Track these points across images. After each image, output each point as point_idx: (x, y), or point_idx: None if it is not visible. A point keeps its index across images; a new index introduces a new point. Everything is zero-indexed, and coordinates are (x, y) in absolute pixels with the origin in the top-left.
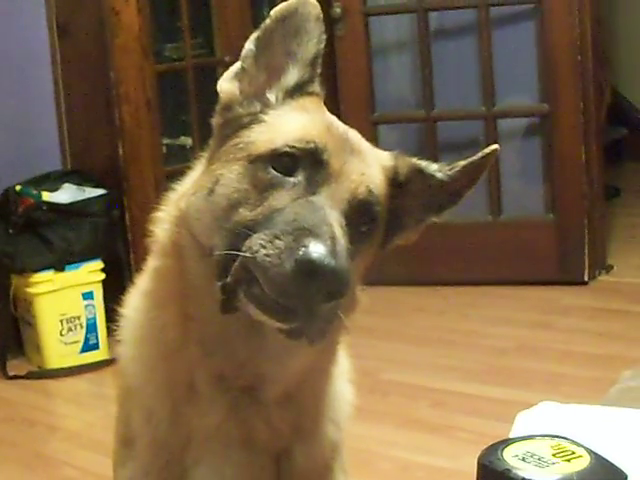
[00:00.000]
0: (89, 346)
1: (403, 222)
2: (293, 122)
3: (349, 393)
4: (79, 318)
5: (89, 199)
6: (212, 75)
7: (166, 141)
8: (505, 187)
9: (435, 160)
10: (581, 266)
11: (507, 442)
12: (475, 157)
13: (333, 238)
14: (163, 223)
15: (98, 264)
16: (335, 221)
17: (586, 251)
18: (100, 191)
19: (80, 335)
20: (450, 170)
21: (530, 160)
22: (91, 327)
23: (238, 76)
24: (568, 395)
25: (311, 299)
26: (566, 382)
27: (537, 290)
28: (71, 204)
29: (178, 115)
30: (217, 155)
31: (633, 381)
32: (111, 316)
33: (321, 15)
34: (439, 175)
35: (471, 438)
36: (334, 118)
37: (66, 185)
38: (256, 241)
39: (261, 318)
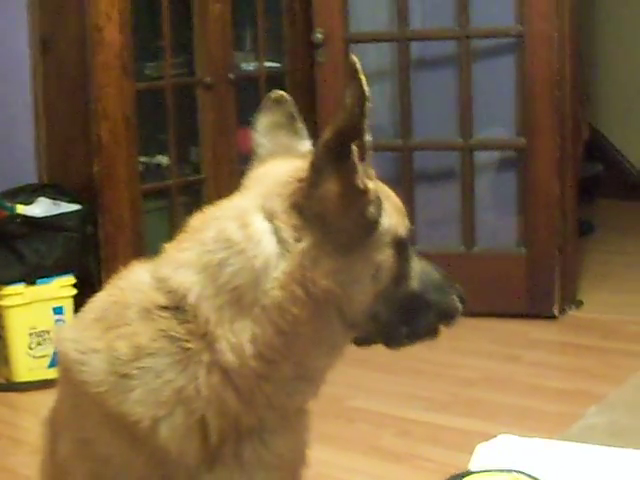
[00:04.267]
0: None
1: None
2: (399, 210)
3: None
4: (49, 332)
5: (63, 214)
6: (191, 95)
7: (142, 159)
8: (479, 219)
9: (411, 191)
10: (551, 300)
11: (465, 474)
12: (352, 77)
13: (451, 284)
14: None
15: (70, 279)
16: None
17: (557, 286)
18: (75, 206)
19: (49, 349)
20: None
21: (505, 193)
22: None
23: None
24: (533, 429)
25: None
26: (532, 416)
27: (506, 323)
28: (45, 218)
29: (155, 134)
30: (359, 245)
31: (596, 417)
32: None
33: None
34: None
35: (434, 468)
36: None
37: (41, 199)
38: (453, 300)
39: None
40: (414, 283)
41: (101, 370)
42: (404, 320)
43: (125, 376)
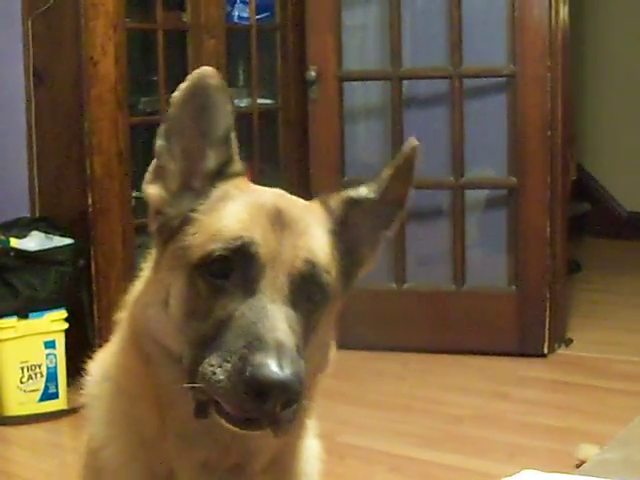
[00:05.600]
0: (48, 395)
1: (360, 253)
2: (219, 219)
3: (317, 448)
4: (40, 366)
5: (56, 247)
6: None
7: (135, 194)
8: (469, 257)
9: (402, 229)
10: (541, 339)
11: None
12: (397, 159)
13: (279, 346)
14: (126, 332)
15: (62, 313)
16: (279, 319)
17: (546, 324)
18: (67, 240)
19: (40, 383)
20: (379, 185)
21: (495, 231)
22: (51, 376)
23: (159, 175)
24: (524, 466)
25: (271, 411)
26: (522, 453)
27: (496, 360)
28: (38, 252)
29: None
30: (162, 262)
31: (609, 453)
32: (71, 366)
33: (223, 84)
34: (372, 196)
35: None
36: (261, 191)
37: (34, 232)
38: (207, 368)
39: (231, 429)
40: (203, 326)
41: (86, 390)
42: (197, 365)
43: (91, 396)
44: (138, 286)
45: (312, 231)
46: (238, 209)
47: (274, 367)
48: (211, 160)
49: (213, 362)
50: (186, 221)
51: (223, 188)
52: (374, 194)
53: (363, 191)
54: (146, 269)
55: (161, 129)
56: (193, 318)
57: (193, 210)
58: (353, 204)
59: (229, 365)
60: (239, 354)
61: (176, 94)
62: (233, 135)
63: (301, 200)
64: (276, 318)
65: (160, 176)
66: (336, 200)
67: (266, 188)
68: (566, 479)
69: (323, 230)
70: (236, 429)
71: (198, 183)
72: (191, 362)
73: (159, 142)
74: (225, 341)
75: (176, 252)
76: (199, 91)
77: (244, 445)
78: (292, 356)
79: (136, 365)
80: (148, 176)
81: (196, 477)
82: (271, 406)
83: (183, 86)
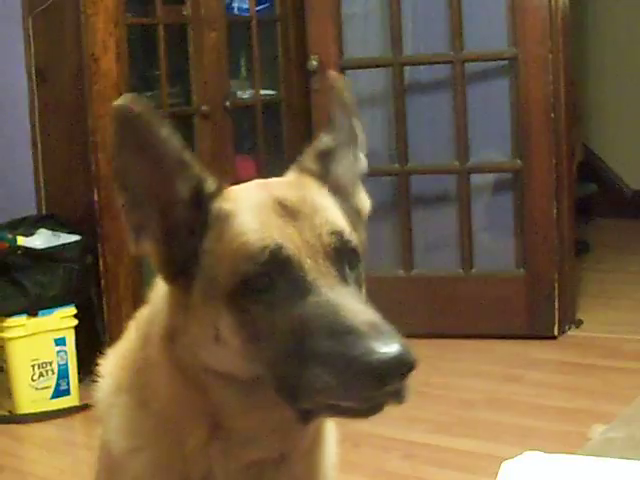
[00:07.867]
0: (60, 392)
1: (352, 199)
2: (232, 239)
3: (333, 429)
4: (51, 364)
5: (63, 245)
6: (188, 124)
7: None
8: (476, 241)
9: (408, 215)
10: (551, 321)
11: None
12: (330, 99)
13: (373, 324)
14: (162, 375)
15: (71, 310)
16: (349, 301)
17: (556, 306)
18: (75, 237)
19: (51, 381)
20: (333, 129)
21: (502, 215)
22: (63, 373)
23: (139, 231)
24: (537, 448)
25: (396, 387)
26: (535, 435)
27: (507, 344)
28: (46, 249)
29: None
30: (193, 302)
31: (613, 432)
32: (82, 362)
33: (148, 108)
34: (333, 142)
35: None
36: (251, 192)
37: (41, 230)
38: (316, 382)
39: (357, 420)
40: (278, 344)
41: (99, 396)
42: (294, 379)
43: (106, 404)
44: (158, 314)
45: (318, 203)
46: (244, 220)
47: (383, 347)
48: (182, 191)
49: (318, 373)
50: (196, 257)
51: (215, 209)
52: (333, 137)
53: (327, 140)
54: (157, 298)
55: (115, 186)
56: (259, 340)
57: (197, 245)
58: (326, 156)
59: (336, 369)
60: (340, 353)
61: (111, 143)
62: (188, 154)
63: (281, 179)
64: (346, 302)
65: (141, 231)
66: (312, 160)
67: (248, 185)
68: (568, 459)
69: (323, 195)
70: (362, 419)
71: (183, 218)
72: (282, 379)
73: (119, 200)
74: (315, 347)
75: (203, 288)
76: (126, 127)
77: (289, 445)
78: (387, 328)
79: (186, 393)
80: (130, 237)
81: (236, 476)
82: (395, 384)
83: (112, 130)
